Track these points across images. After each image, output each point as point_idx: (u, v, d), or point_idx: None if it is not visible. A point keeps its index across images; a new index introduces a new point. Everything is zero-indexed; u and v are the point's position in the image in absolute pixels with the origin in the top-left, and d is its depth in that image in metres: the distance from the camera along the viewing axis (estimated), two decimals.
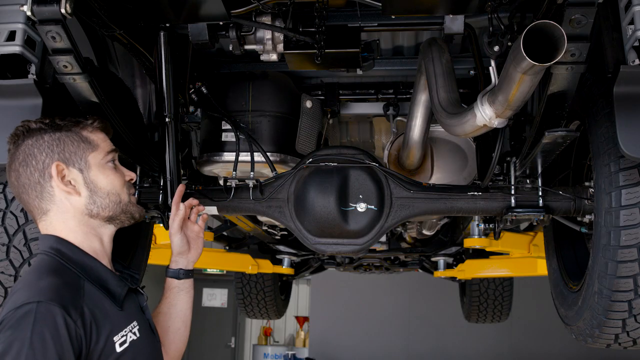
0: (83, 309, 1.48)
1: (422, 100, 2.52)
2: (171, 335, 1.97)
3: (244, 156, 2.65)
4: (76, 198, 1.67)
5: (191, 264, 2.05)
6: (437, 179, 2.91)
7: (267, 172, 2.73)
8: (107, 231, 1.74)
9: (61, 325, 1.41)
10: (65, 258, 1.60)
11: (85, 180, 1.68)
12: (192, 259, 2.06)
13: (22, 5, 1.82)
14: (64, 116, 1.73)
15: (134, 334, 1.61)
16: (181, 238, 2.03)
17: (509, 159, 2.54)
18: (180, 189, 2.09)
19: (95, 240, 1.69)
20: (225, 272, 10.70)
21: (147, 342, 1.67)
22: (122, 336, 1.56)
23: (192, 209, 2.09)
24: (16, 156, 1.67)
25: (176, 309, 2.00)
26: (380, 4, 2.12)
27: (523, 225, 4.81)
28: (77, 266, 1.60)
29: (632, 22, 1.82)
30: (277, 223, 3.90)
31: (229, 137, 2.72)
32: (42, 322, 1.40)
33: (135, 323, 1.64)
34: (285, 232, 4.39)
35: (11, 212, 2.23)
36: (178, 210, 2.04)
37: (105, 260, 1.70)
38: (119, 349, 1.54)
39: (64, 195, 1.66)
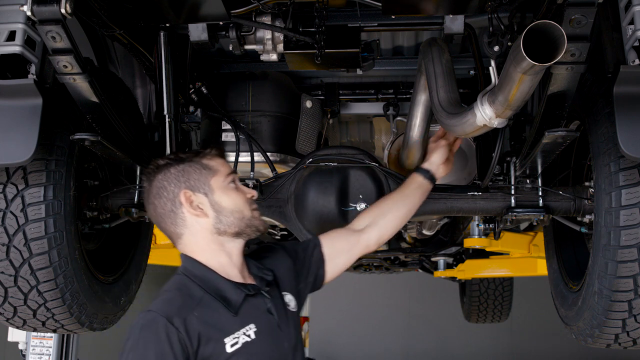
0: (189, 317, 1.69)
1: (422, 100, 2.52)
2: (387, 222, 2.27)
3: (244, 156, 2.65)
4: (205, 219, 1.85)
5: (438, 174, 2.41)
6: None
7: (267, 172, 2.73)
8: (236, 245, 1.90)
9: (161, 331, 1.64)
10: (190, 274, 1.83)
11: (210, 202, 1.85)
12: (440, 173, 2.41)
13: (22, 5, 1.82)
14: (186, 151, 1.95)
15: (248, 336, 1.76)
16: (443, 153, 2.42)
17: (509, 159, 2.54)
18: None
19: (223, 256, 1.87)
20: None
21: (265, 343, 1.80)
22: (233, 338, 1.73)
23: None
24: (150, 191, 1.88)
25: (407, 200, 2.32)
26: (380, 4, 2.12)
27: (523, 225, 4.81)
28: (199, 280, 1.81)
29: (632, 22, 1.82)
30: (277, 223, 3.90)
31: (229, 137, 2.72)
32: (146, 329, 1.66)
33: (251, 326, 1.78)
34: (285, 232, 4.39)
35: (11, 212, 2.23)
36: (444, 137, 2.47)
37: (234, 271, 1.87)
38: (229, 350, 1.71)
39: (194, 219, 1.85)
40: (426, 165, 2.40)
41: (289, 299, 1.97)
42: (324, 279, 2.15)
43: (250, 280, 1.90)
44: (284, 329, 1.87)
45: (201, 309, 1.73)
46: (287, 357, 1.85)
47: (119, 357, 1.66)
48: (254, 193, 1.96)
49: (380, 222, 2.26)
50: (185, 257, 1.88)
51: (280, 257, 2.06)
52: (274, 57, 2.41)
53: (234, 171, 1.94)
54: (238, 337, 1.74)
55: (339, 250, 2.18)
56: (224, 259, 1.87)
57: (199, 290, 1.79)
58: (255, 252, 2.06)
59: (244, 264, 1.92)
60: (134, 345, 1.65)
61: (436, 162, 2.40)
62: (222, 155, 1.96)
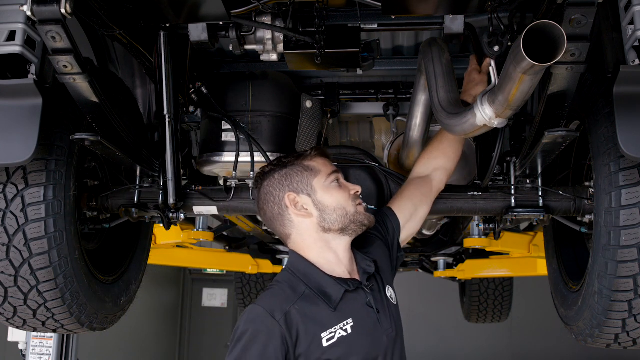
0: (290, 310, 1.79)
1: (422, 100, 2.52)
2: (450, 161, 2.39)
3: (244, 156, 2.65)
4: (310, 219, 1.96)
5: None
6: None
7: None
8: (342, 242, 1.98)
9: (264, 324, 1.76)
10: (295, 270, 1.94)
11: (314, 202, 1.96)
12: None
13: (22, 5, 1.82)
14: (289, 155, 2.06)
15: (345, 330, 1.83)
16: (482, 85, 2.32)
17: (509, 159, 2.54)
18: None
19: (329, 253, 1.96)
20: (225, 272, 10.70)
21: (362, 337, 1.86)
22: (330, 333, 1.81)
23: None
24: (260, 198, 2.03)
25: (459, 137, 2.34)
26: (380, 4, 2.12)
27: (523, 225, 4.81)
28: (302, 275, 1.92)
29: (632, 22, 1.82)
30: None
31: (229, 137, 2.72)
32: (251, 321, 1.79)
33: (349, 321, 1.85)
34: None
35: (11, 212, 2.23)
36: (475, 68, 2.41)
37: (340, 268, 1.96)
38: (325, 344, 1.79)
39: (300, 219, 1.97)
40: (470, 100, 2.30)
41: (391, 291, 2.04)
42: (402, 254, 2.27)
43: (355, 275, 1.97)
44: (384, 323, 1.92)
45: (302, 302, 1.83)
46: (386, 351, 1.88)
47: (229, 345, 1.80)
48: (358, 189, 2.03)
49: (444, 164, 2.38)
50: (292, 253, 1.99)
51: (379, 247, 2.13)
52: (274, 57, 2.41)
53: (337, 170, 2.03)
54: (335, 332, 1.81)
55: (418, 202, 2.30)
56: (331, 256, 1.96)
57: (301, 285, 1.89)
58: (359, 241, 2.09)
59: (352, 259, 2.00)
60: (240, 337, 1.77)
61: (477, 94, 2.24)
62: (324, 155, 2.06)
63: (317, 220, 1.95)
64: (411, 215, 2.28)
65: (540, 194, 2.49)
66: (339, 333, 1.81)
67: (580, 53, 1.74)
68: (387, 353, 1.88)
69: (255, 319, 1.79)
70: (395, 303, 2.03)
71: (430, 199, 2.35)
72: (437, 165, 2.37)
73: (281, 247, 4.92)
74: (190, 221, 4.48)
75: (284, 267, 2.00)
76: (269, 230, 3.81)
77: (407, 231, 2.28)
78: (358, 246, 2.07)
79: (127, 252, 3.00)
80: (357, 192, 2.02)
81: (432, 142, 2.45)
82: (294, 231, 1.97)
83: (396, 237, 2.22)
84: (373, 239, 2.15)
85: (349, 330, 1.83)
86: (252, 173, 2.63)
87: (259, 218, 3.34)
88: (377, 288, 1.99)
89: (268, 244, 4.96)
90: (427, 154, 2.42)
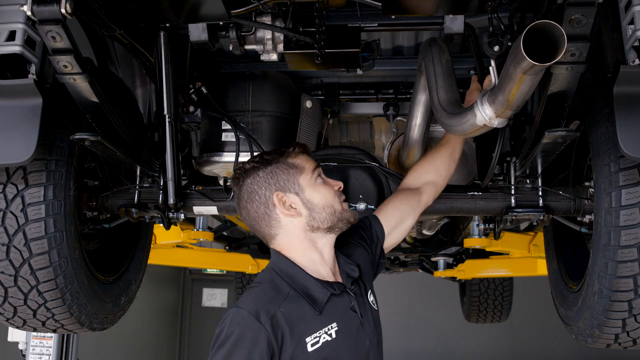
0: (275, 313, 1.74)
1: (422, 100, 2.52)
2: (441, 178, 2.41)
3: (244, 156, 2.65)
4: (298, 219, 1.90)
5: None
6: None
7: None
8: (327, 241, 1.94)
9: (250, 328, 1.70)
10: (279, 270, 1.88)
11: (302, 201, 1.90)
12: None
13: (22, 5, 1.82)
14: (269, 151, 1.98)
15: (329, 335, 1.79)
16: None
17: (509, 159, 2.54)
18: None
19: (314, 254, 1.91)
20: (225, 272, 10.70)
21: (346, 341, 1.83)
22: (314, 337, 1.77)
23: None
24: (241, 196, 1.94)
25: (455, 154, 2.44)
26: (380, 4, 2.12)
27: (523, 225, 4.81)
28: (287, 276, 1.86)
29: (632, 22, 1.82)
30: None
31: (228, 137, 2.72)
32: (236, 325, 1.73)
33: (333, 325, 1.81)
34: None
35: (11, 212, 2.23)
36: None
37: (325, 269, 1.92)
38: (310, 349, 1.75)
39: (288, 219, 1.90)
40: None
41: (372, 297, 2.02)
42: (385, 261, 2.23)
43: (339, 277, 1.94)
44: (367, 328, 1.90)
45: (287, 304, 1.78)
46: (368, 356, 1.87)
47: (211, 349, 1.75)
48: (341, 184, 1.99)
49: (435, 179, 2.37)
50: (275, 253, 1.93)
51: (362, 253, 2.11)
52: (274, 57, 2.41)
53: (319, 165, 1.98)
54: (319, 336, 1.77)
55: (405, 213, 2.28)
56: (316, 256, 1.91)
57: (286, 286, 1.83)
58: (341, 245, 2.06)
59: (335, 259, 1.97)
60: (223, 341, 1.71)
61: None
62: (305, 152, 1.99)
63: (306, 220, 1.89)
64: (396, 224, 2.25)
65: (540, 194, 2.50)
66: (324, 337, 1.78)
67: (580, 53, 1.74)
68: (369, 357, 1.87)
69: (241, 323, 1.72)
70: (376, 309, 2.01)
71: (416, 212, 2.33)
72: (427, 180, 2.37)
73: None
74: (190, 221, 4.48)
75: (267, 267, 1.94)
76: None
77: (391, 240, 2.26)
78: (340, 250, 2.03)
79: (127, 252, 3.00)
80: (340, 187, 1.99)
81: (425, 156, 2.47)
82: (281, 231, 1.91)
83: (379, 244, 2.20)
84: (355, 245, 2.12)
85: (334, 335, 1.80)
86: None
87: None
88: (360, 292, 1.96)
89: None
90: (419, 167, 2.43)
